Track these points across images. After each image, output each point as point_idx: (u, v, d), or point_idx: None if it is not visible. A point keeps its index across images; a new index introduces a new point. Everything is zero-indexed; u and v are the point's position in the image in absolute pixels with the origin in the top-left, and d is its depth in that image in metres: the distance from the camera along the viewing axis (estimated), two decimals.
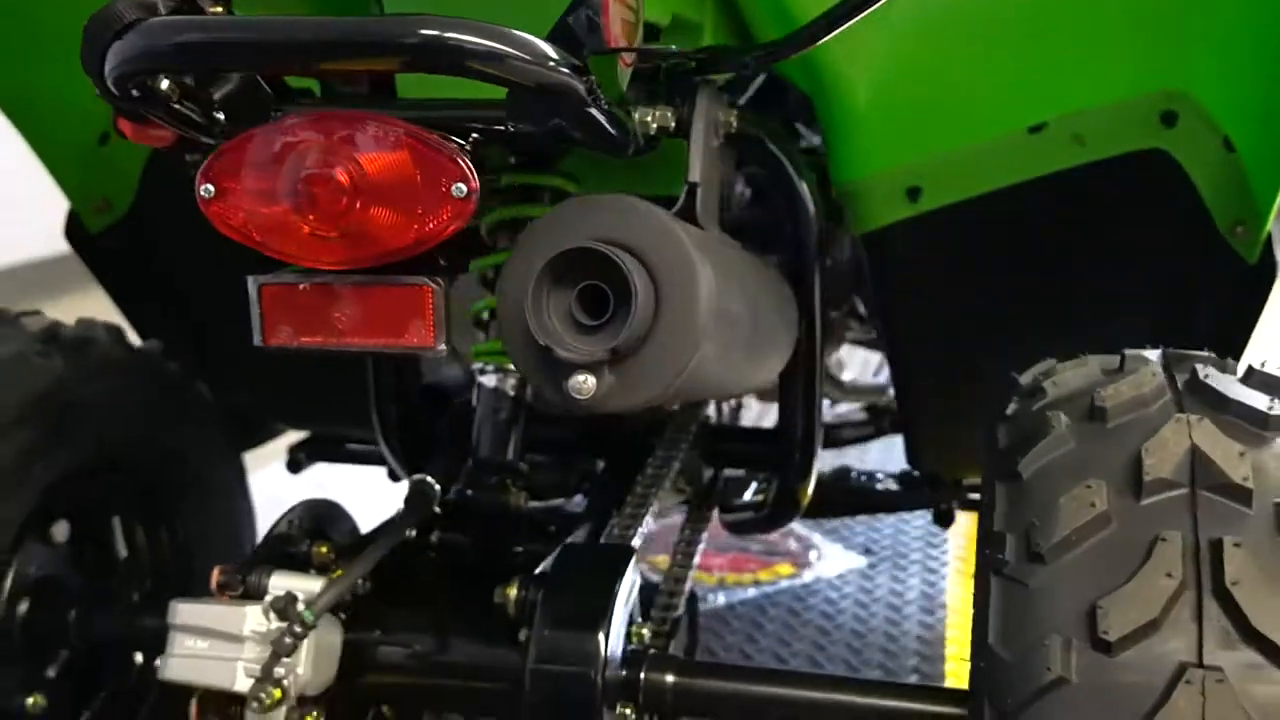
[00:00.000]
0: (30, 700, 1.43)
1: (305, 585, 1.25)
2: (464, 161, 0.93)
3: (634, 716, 1.25)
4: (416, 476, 1.42)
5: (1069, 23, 1.36)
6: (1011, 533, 1.01)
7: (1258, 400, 1.03)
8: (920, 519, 2.60)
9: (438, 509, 1.42)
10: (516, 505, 1.47)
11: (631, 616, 1.29)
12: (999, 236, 1.51)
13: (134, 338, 1.63)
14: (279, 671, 1.21)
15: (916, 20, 1.35)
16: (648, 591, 1.53)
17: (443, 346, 0.99)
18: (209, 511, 1.60)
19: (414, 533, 1.41)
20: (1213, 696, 0.88)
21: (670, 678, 1.27)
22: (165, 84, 0.91)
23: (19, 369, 1.36)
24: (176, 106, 0.95)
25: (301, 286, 0.99)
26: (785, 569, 2.64)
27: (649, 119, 1.09)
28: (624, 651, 1.26)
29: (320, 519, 1.39)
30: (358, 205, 0.93)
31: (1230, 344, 1.50)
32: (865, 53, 1.35)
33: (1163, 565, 0.92)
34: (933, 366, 1.62)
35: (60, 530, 1.51)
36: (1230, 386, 1.05)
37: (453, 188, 0.93)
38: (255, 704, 1.20)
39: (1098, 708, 0.90)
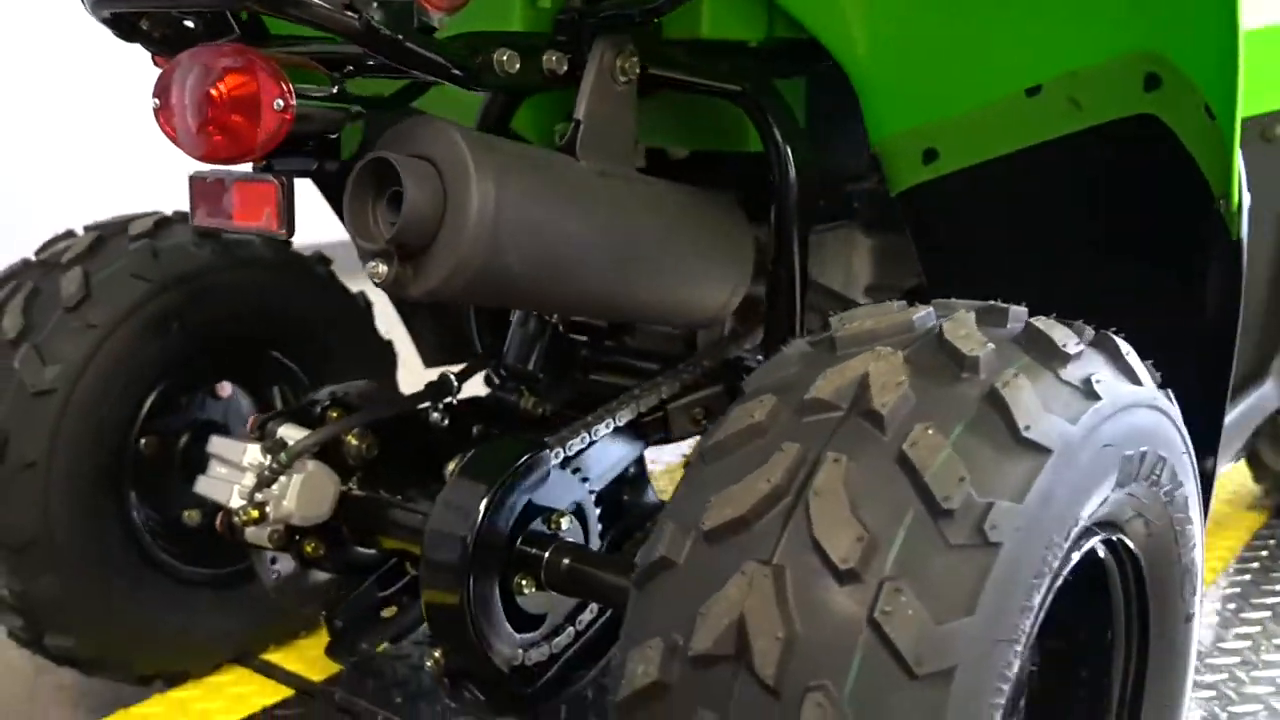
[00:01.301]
0: (187, 515, 1.85)
1: (302, 435, 1.56)
2: (284, 83, 1.18)
3: (531, 588, 1.44)
4: (443, 370, 1.68)
5: None
6: (704, 437, 1.09)
7: (970, 345, 1.03)
8: None
9: (454, 400, 1.67)
10: (526, 410, 1.69)
11: (550, 508, 1.47)
12: (1017, 204, 1.51)
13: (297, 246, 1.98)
14: (259, 497, 1.53)
15: None
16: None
17: (284, 232, 1.24)
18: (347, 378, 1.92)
19: (436, 416, 1.67)
20: (757, 590, 0.93)
21: (567, 561, 1.44)
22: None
23: (173, 253, 1.78)
24: (144, 32, 1.29)
25: (207, 180, 1.29)
26: None
27: (503, 59, 1.26)
28: (530, 532, 1.44)
29: (361, 395, 1.69)
30: (224, 114, 1.20)
31: (1223, 318, 1.42)
32: (862, 16, 1.42)
33: (767, 471, 0.98)
34: None
35: (225, 389, 1.93)
36: (960, 329, 1.05)
37: (274, 103, 1.17)
38: (237, 518, 1.52)
39: (687, 589, 0.98)
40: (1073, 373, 1.04)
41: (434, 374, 1.69)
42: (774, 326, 1.56)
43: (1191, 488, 1.22)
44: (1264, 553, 2.34)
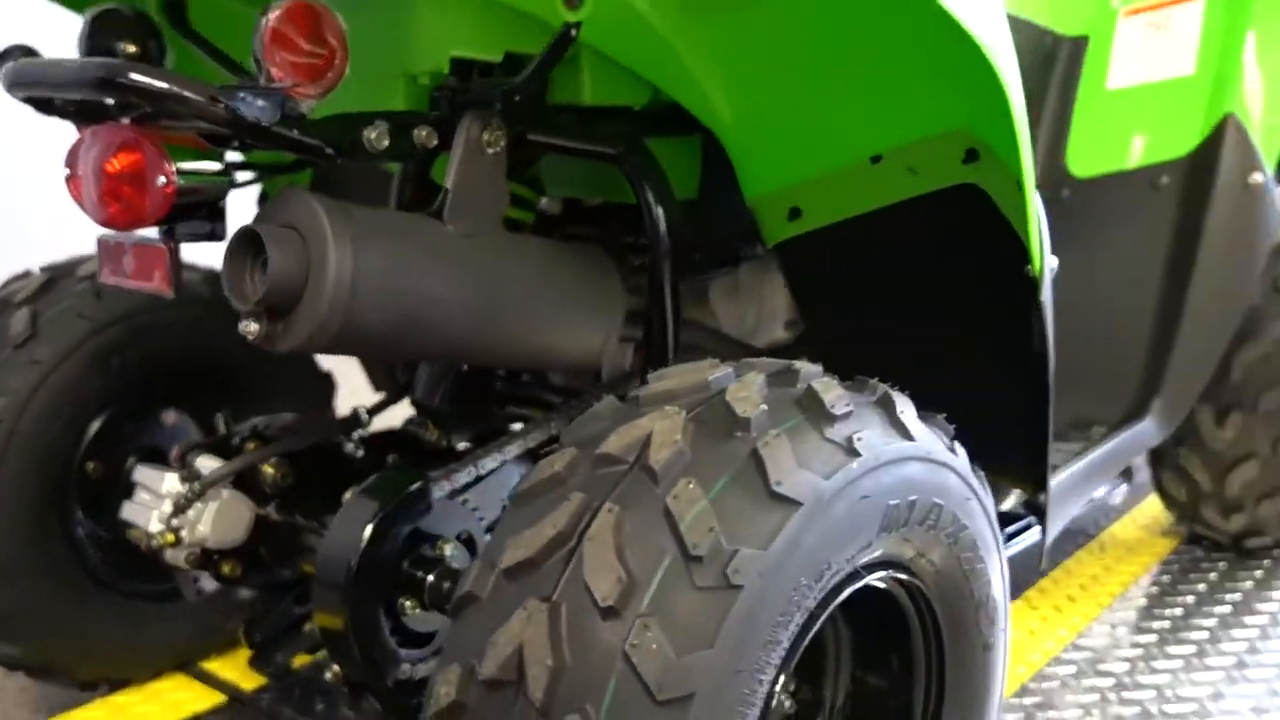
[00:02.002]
0: (130, 533, 1.99)
1: (218, 465, 1.71)
2: (166, 161, 1.33)
3: (416, 609, 1.58)
4: (355, 405, 1.83)
5: (883, 64, 1.49)
6: (518, 483, 1.23)
7: (746, 406, 1.16)
8: None
9: (365, 431, 1.82)
10: (431, 442, 1.83)
11: (436, 535, 1.61)
12: (872, 260, 1.65)
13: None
14: (175, 523, 1.68)
15: (760, 59, 1.53)
16: None
17: (170, 292, 1.39)
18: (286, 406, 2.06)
19: (350, 447, 1.82)
20: (534, 623, 1.07)
21: (449, 584, 1.58)
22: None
23: (115, 293, 1.93)
24: (59, 108, 1.45)
25: (110, 242, 1.45)
26: None
27: (372, 136, 1.40)
28: (416, 556, 1.59)
29: (281, 427, 1.84)
30: (117, 186, 1.36)
31: (1039, 370, 1.55)
32: (722, 89, 1.56)
33: (555, 518, 1.12)
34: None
35: (170, 416, 2.09)
36: (743, 390, 1.18)
37: (157, 179, 1.33)
38: (154, 541, 1.68)
39: (484, 620, 1.12)
40: (837, 431, 1.17)
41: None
42: (651, 368, 1.70)
43: (982, 528, 1.35)
44: (1165, 578, 2.45)
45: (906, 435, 1.23)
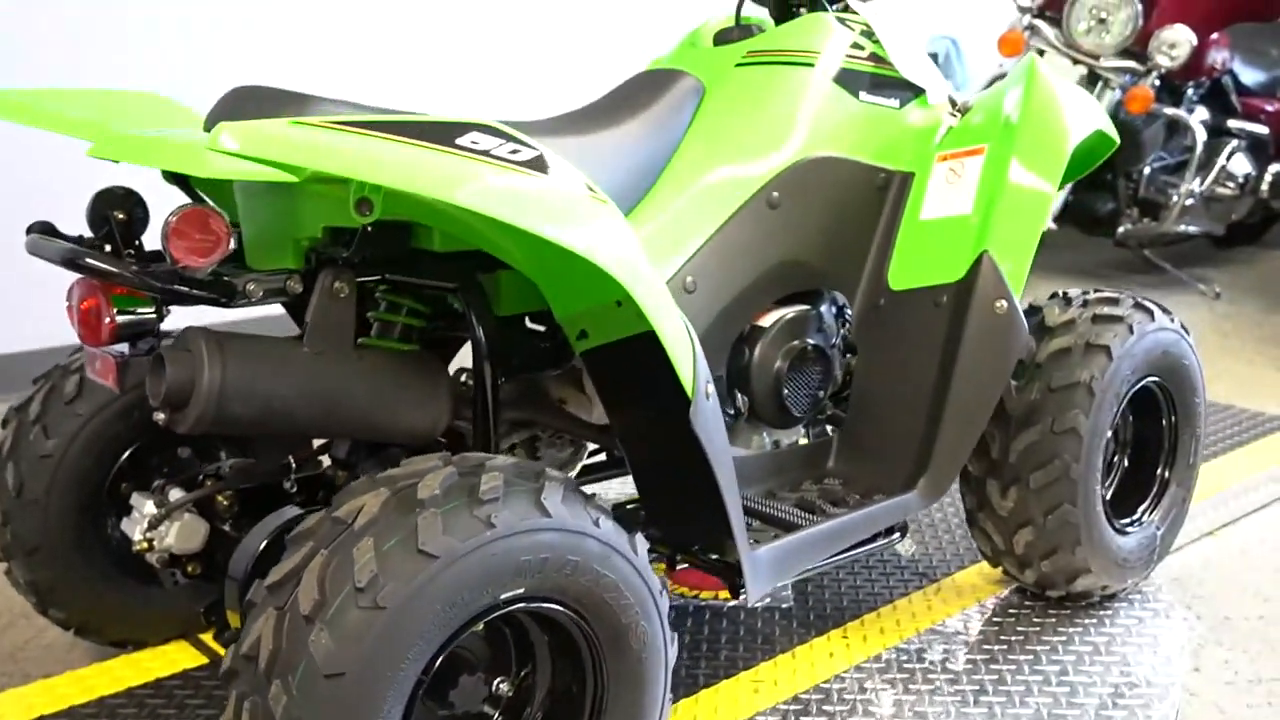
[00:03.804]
0: None
1: (181, 496, 2.44)
2: (109, 305, 2.05)
3: None
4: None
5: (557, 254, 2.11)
6: None
7: (426, 490, 1.80)
8: None
9: (295, 476, 2.53)
10: (339, 485, 2.52)
11: None
12: (651, 374, 2.23)
13: None
14: (149, 535, 2.41)
15: (501, 236, 2.16)
16: None
17: (119, 390, 2.12)
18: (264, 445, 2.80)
19: (287, 485, 2.53)
20: (269, 622, 1.74)
21: None
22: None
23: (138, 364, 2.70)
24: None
25: (86, 350, 2.19)
26: None
27: (249, 287, 2.09)
28: None
29: (236, 469, 2.56)
30: (85, 319, 2.09)
31: (710, 477, 2.12)
32: (504, 242, 2.19)
33: (296, 555, 1.78)
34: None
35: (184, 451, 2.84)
36: (434, 480, 1.82)
37: (104, 318, 2.05)
38: (135, 548, 2.42)
39: (252, 618, 1.80)
40: (483, 511, 1.79)
41: None
42: (476, 446, 2.35)
43: (625, 574, 1.94)
44: (979, 615, 2.96)
45: (545, 513, 1.85)
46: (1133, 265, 7.51)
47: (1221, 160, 6.92)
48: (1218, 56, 6.94)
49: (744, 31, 2.86)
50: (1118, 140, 3.01)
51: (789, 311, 2.72)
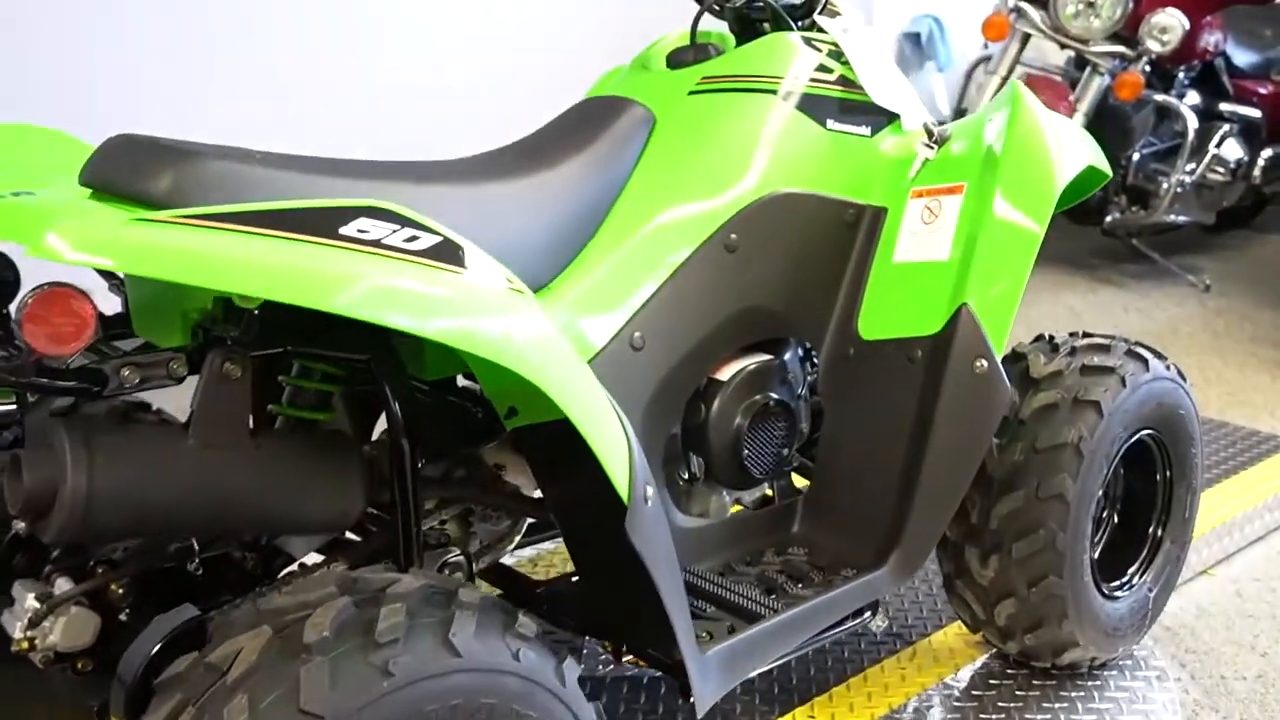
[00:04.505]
0: None
1: (70, 587, 2.19)
2: None
3: None
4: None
5: None
6: None
7: (314, 632, 1.55)
8: None
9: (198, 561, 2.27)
10: (248, 570, 2.27)
11: None
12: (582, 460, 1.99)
13: None
14: (30, 633, 2.16)
15: None
16: None
17: None
18: None
19: (192, 567, 2.27)
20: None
21: None
22: None
23: None
24: None
25: None
26: None
27: (125, 373, 1.83)
28: None
29: (133, 553, 2.30)
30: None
31: (639, 574, 1.89)
32: None
33: (164, 709, 1.54)
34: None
35: None
36: (328, 612, 1.57)
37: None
38: (14, 648, 2.17)
39: None
40: (379, 657, 1.55)
41: None
42: (398, 531, 2.10)
43: (549, 709, 1.70)
44: (958, 689, 2.73)
45: (454, 652, 1.60)
46: (1120, 254, 7.26)
47: (1213, 146, 6.66)
48: (1210, 39, 6.68)
49: (700, 52, 2.58)
50: (1110, 175, 2.75)
51: (750, 363, 2.47)
